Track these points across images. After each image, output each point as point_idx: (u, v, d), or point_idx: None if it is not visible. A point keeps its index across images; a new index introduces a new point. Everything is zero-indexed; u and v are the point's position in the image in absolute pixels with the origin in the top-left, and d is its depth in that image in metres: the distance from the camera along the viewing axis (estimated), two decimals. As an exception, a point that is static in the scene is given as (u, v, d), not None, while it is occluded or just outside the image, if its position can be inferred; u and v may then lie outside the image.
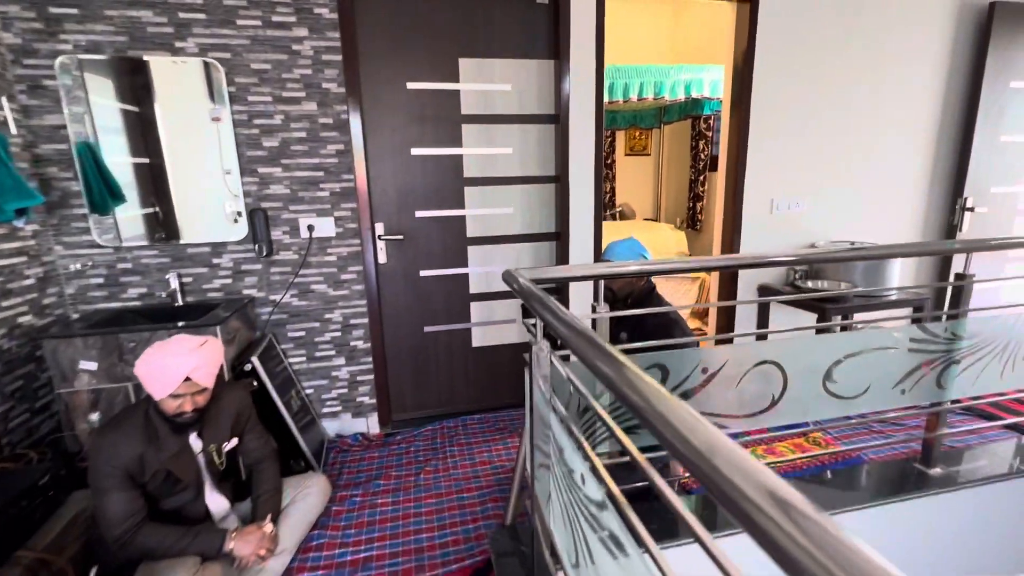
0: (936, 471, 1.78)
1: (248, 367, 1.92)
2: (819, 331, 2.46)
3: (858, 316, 2.54)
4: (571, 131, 2.41)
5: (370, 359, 2.42)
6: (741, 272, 2.83)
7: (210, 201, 2.08)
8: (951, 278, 1.65)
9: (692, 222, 5.05)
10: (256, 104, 2.06)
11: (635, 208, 5.70)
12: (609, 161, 5.52)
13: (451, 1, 2.23)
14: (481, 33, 2.29)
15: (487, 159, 2.43)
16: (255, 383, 1.92)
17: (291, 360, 2.33)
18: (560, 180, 2.47)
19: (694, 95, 3.65)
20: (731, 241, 2.80)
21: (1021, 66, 2.78)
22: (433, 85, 2.29)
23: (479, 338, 2.61)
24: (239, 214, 2.12)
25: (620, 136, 5.50)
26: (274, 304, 2.23)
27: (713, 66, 3.67)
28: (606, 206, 5.40)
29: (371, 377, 2.45)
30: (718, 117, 4.61)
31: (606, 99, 3.48)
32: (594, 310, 1.40)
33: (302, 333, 2.32)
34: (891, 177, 2.88)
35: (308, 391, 2.38)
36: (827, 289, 2.58)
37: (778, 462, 2.06)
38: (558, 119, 2.41)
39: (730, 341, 2.49)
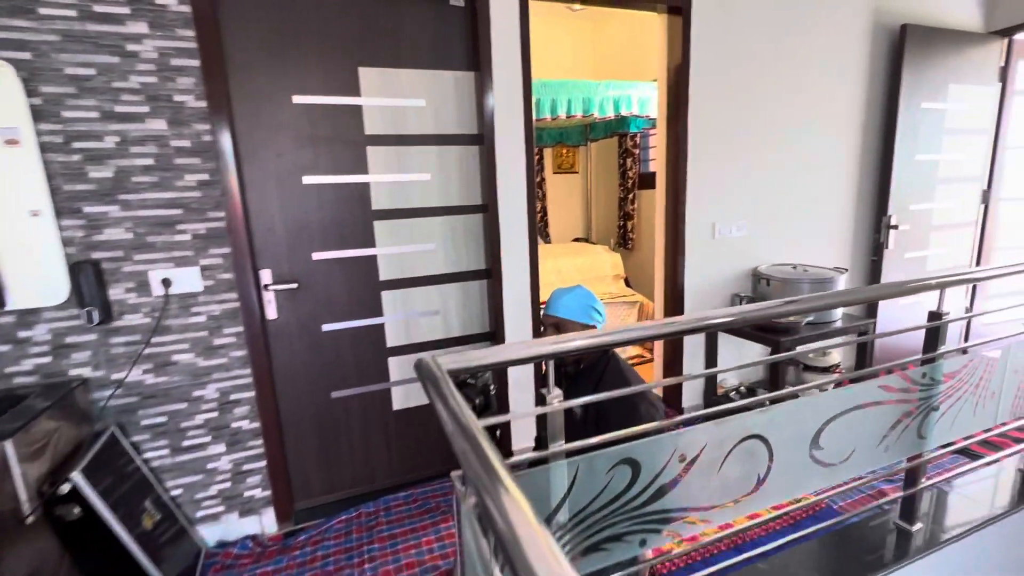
0: (918, 527, 1.60)
1: (66, 489, 1.36)
2: (777, 362, 2.29)
3: (810, 345, 2.42)
4: (498, 152, 2.08)
5: (260, 441, 1.91)
6: (687, 300, 2.64)
7: (7, 254, 1.50)
8: (926, 317, 1.49)
9: (623, 241, 4.93)
10: (75, 122, 1.53)
11: (566, 228, 5.52)
12: (539, 180, 5.30)
13: (346, 0, 1.83)
14: (386, 39, 1.91)
15: (400, 187, 2.03)
16: (77, 509, 1.37)
17: (148, 456, 1.77)
18: (488, 209, 2.13)
19: (623, 112, 3.49)
20: (674, 266, 2.60)
21: (930, 86, 2.85)
22: (327, 99, 1.87)
23: (401, 399, 2.18)
24: (61, 269, 1.55)
25: (548, 153, 5.30)
26: (117, 385, 1.67)
27: (641, 83, 3.54)
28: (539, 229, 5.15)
29: (263, 464, 1.93)
30: (645, 135, 4.53)
31: (547, 116, 3.22)
32: (543, 399, 1.05)
33: (162, 419, 1.77)
34: (824, 197, 2.85)
35: (176, 492, 1.82)
36: (764, 304, 2.44)
37: (735, 532, 1.82)
38: (483, 139, 2.08)
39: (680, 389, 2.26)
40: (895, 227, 2.92)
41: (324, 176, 1.91)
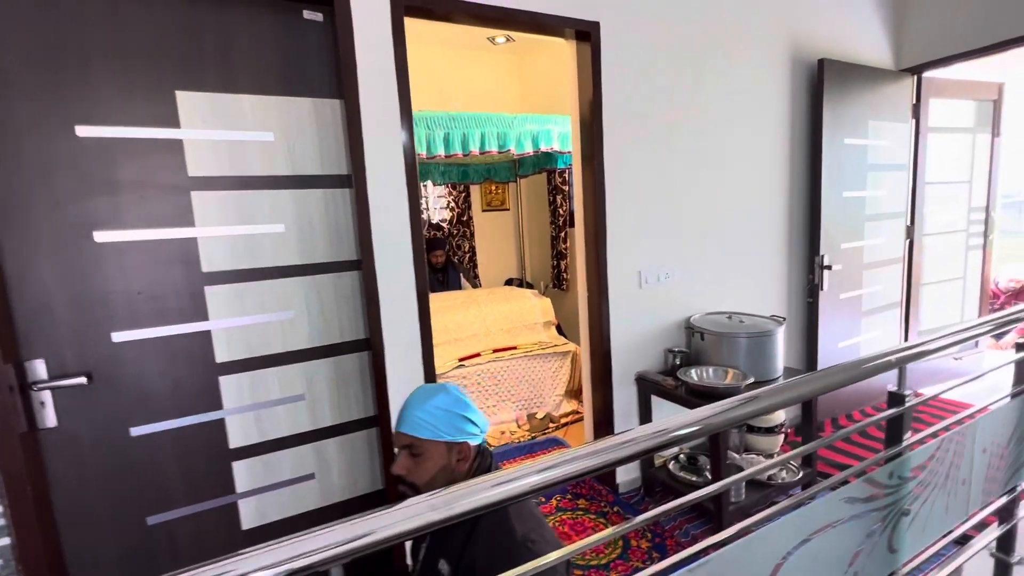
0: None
1: None
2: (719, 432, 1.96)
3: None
4: (374, 196, 1.69)
5: (22, 607, 1.34)
6: (615, 356, 2.31)
7: None
8: (886, 399, 1.19)
9: (557, 282, 4.64)
10: None
11: (498, 269, 5.18)
12: (465, 217, 4.96)
13: (154, 2, 1.41)
14: (214, 55, 1.50)
15: (244, 242, 1.59)
16: None
17: None
18: (363, 265, 1.71)
19: (543, 148, 3.22)
20: (599, 319, 2.27)
21: (851, 122, 2.76)
22: (129, 131, 1.41)
23: (254, 515, 1.67)
24: None
25: (475, 191, 4.98)
26: None
27: (561, 117, 3.30)
28: (465, 270, 4.78)
29: (27, 638, 1.36)
30: (572, 171, 4.32)
31: (442, 152, 2.87)
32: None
33: None
34: (755, 239, 2.64)
35: None
36: (712, 379, 2.14)
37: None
38: (352, 180, 1.68)
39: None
40: (828, 267, 2.75)
41: (128, 231, 1.43)
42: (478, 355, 3.23)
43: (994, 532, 1.53)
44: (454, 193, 4.85)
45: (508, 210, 5.20)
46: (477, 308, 3.50)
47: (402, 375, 1.80)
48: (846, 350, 2.91)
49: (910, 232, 3.20)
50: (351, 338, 1.77)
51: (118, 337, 1.44)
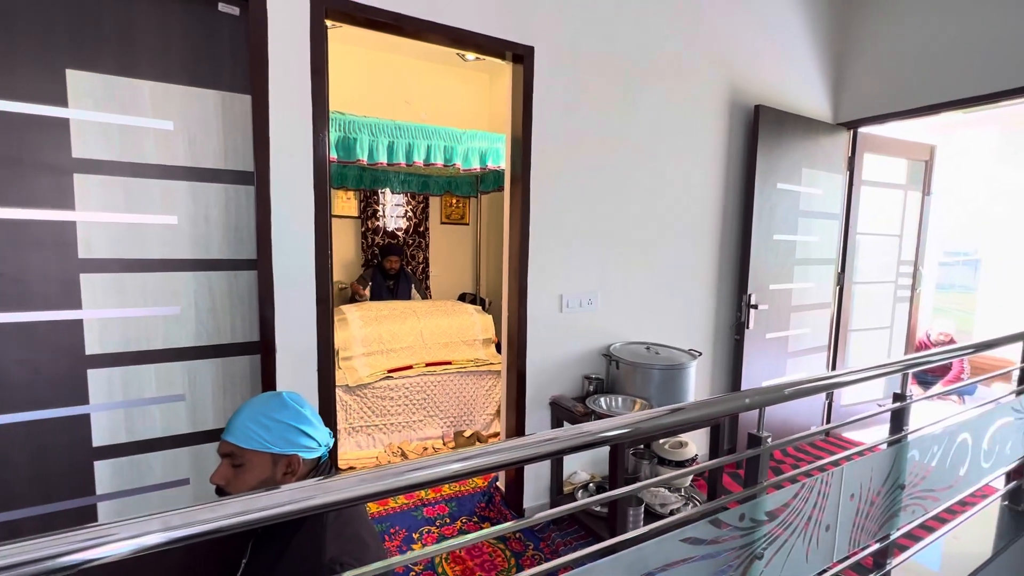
0: None
1: None
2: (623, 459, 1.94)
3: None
4: (276, 196, 1.65)
5: None
6: (531, 379, 2.28)
7: None
8: (744, 441, 1.20)
9: (508, 300, 4.62)
10: None
11: (453, 282, 5.14)
12: (422, 229, 4.93)
13: (48, -23, 1.37)
14: (113, 36, 1.45)
15: (129, 231, 1.52)
16: None
17: None
18: (260, 266, 1.66)
19: (490, 166, 3.23)
20: (517, 340, 2.25)
21: (785, 168, 2.85)
22: (7, 104, 1.35)
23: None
24: None
25: (435, 203, 4.97)
26: None
27: (511, 137, 3.32)
28: (416, 281, 4.73)
29: None
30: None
31: (384, 160, 2.85)
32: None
33: None
34: (681, 273, 2.67)
35: None
36: (619, 408, 2.14)
37: None
38: (255, 178, 1.64)
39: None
40: (755, 306, 2.80)
41: (-6, 208, 1.36)
42: (410, 367, 3.17)
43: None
44: (412, 203, 4.82)
45: (468, 224, 5.19)
46: (415, 320, 3.45)
47: (295, 382, 1.74)
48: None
49: (840, 279, 3.30)
50: (242, 340, 1.70)
51: (-28, 319, 1.36)
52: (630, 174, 2.41)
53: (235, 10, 1.60)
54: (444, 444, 3.16)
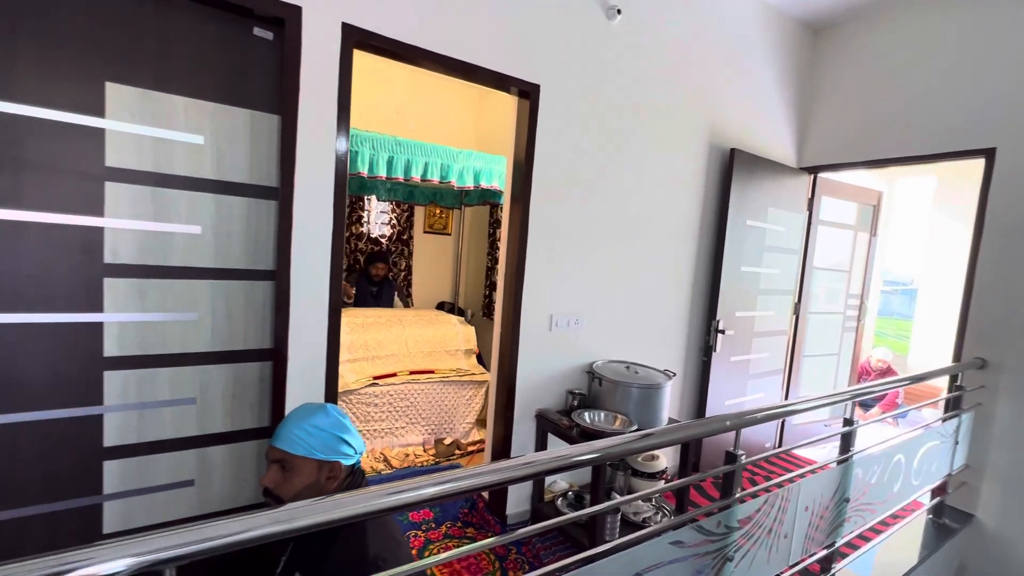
0: None
1: None
2: (602, 467, 2.11)
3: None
4: (298, 212, 1.74)
5: None
6: (519, 392, 2.42)
7: None
8: (723, 458, 1.38)
9: (488, 311, 4.76)
10: None
11: (432, 291, 5.23)
12: (406, 237, 5.00)
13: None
14: (153, 54, 1.52)
15: (155, 239, 1.58)
16: None
17: None
18: (278, 276, 1.74)
19: (483, 184, 3.37)
20: (510, 355, 2.39)
21: (754, 206, 3.12)
22: (48, 112, 1.40)
23: (118, 519, 1.60)
24: None
25: (419, 211, 5.06)
26: None
27: (505, 158, 3.47)
28: (399, 288, 4.80)
29: None
30: (513, 208, 4.50)
31: (383, 174, 2.95)
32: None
33: None
34: (659, 298, 2.89)
35: None
36: (601, 423, 2.31)
37: None
38: (279, 194, 1.72)
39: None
40: (723, 331, 3.05)
41: (24, 212, 1.40)
42: (394, 375, 3.25)
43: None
44: (397, 211, 4.89)
45: (450, 235, 5.29)
46: (400, 328, 3.53)
47: (303, 389, 1.82)
48: (732, 407, 3.20)
49: (797, 308, 3.61)
50: (255, 347, 1.77)
51: (-4, 319, 1.39)
52: (616, 205, 2.61)
53: (269, 35, 1.69)
54: (425, 451, 3.25)
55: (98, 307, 1.52)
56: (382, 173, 2.92)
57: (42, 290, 1.44)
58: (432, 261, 5.21)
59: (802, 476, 1.62)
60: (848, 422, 1.81)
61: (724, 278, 3.02)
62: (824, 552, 1.79)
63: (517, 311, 2.36)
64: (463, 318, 4.10)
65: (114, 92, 1.48)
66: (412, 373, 3.32)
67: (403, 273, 5.03)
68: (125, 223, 1.53)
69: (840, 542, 1.83)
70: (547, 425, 2.41)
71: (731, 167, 2.96)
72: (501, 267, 2.47)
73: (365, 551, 0.99)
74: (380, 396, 3.15)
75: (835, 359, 3.99)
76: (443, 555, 0.90)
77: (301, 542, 1.08)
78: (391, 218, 4.91)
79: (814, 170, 3.46)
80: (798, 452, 3.72)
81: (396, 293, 4.57)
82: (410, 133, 3.50)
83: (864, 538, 2.17)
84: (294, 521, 0.73)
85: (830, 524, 1.78)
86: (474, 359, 3.77)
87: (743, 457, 1.38)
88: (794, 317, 3.60)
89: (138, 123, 1.52)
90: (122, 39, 1.48)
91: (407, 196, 4.77)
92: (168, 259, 1.61)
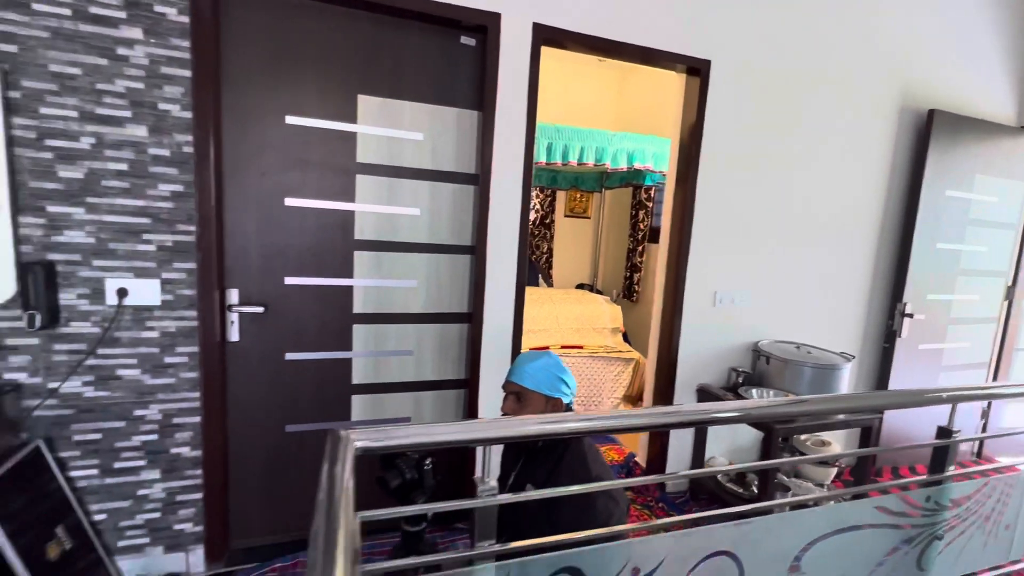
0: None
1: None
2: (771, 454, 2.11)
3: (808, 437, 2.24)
4: (493, 195, 2.00)
5: (199, 471, 1.78)
6: (680, 366, 2.48)
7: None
8: (935, 433, 1.33)
9: (628, 292, 4.80)
10: (52, 119, 1.48)
11: (572, 272, 5.42)
12: (548, 220, 5.24)
13: (352, 25, 1.80)
14: (389, 68, 1.87)
15: (387, 219, 1.95)
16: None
17: (75, 474, 1.64)
18: (476, 252, 2.03)
19: (636, 166, 3.42)
20: (671, 331, 2.46)
21: (956, 175, 2.74)
22: (322, 123, 1.81)
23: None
24: (9, 267, 1.48)
25: (560, 196, 5.26)
26: (49, 393, 1.57)
27: (657, 137, 3.48)
28: (542, 269, 5.07)
29: (199, 496, 1.79)
30: (660, 188, 4.46)
31: (543, 160, 3.17)
32: (476, 489, 0.92)
33: (96, 436, 1.65)
34: (833, 277, 2.70)
35: (99, 517, 1.69)
36: (771, 401, 2.27)
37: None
38: (479, 180, 2.00)
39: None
40: (910, 315, 2.75)
41: (309, 200, 1.84)
42: (547, 348, 3.50)
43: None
44: (541, 196, 5.14)
45: (589, 218, 5.42)
46: (552, 306, 3.77)
47: (494, 349, 2.10)
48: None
49: (1010, 293, 3.09)
50: (457, 310, 2.09)
51: (289, 281, 1.85)
52: (789, 179, 2.50)
53: (472, 42, 1.95)
54: (576, 420, 3.46)
55: (350, 274, 1.93)
56: (542, 159, 3.14)
57: (317, 260, 1.88)
58: (572, 243, 5.38)
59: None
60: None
61: (914, 256, 2.71)
62: (1054, 557, 1.60)
63: (679, 289, 2.40)
64: (607, 298, 4.21)
65: (363, 103, 1.85)
66: (563, 347, 3.54)
67: (544, 256, 5.28)
68: (368, 207, 1.92)
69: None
70: (709, 399, 2.43)
71: (928, 131, 2.63)
72: (662, 246, 2.53)
73: (587, 470, 1.18)
74: (536, 366, 3.42)
75: (1062, 355, 3.33)
76: (659, 522, 1.05)
77: (530, 460, 1.31)
78: (535, 203, 5.17)
79: (1042, 128, 2.90)
80: (1001, 459, 3.20)
81: (540, 274, 4.84)
82: (556, 118, 3.66)
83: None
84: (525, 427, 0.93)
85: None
86: (620, 337, 3.87)
87: (959, 433, 1.31)
88: (1006, 303, 3.09)
89: (379, 126, 1.89)
90: (369, 59, 1.84)
91: (551, 181, 4.98)
92: (396, 235, 1.97)
